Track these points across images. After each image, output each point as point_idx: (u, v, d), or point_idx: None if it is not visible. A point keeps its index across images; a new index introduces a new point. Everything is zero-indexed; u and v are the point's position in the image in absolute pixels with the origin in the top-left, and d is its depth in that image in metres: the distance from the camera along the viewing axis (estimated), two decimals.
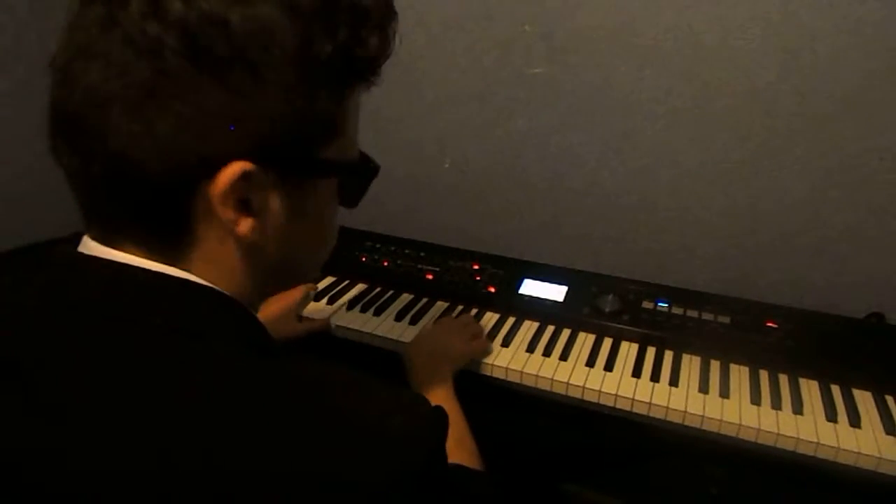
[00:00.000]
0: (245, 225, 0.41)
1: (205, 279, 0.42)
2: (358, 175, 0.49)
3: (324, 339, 1.11)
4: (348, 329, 1.10)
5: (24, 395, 0.37)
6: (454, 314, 1.14)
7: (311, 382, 0.40)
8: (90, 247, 0.42)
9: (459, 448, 0.73)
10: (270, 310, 1.09)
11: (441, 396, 0.83)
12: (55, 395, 0.37)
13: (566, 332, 1.08)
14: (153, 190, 0.38)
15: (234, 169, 0.38)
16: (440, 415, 0.44)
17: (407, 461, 0.38)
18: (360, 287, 1.23)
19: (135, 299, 0.40)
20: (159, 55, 0.36)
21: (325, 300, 1.17)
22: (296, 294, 1.12)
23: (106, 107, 0.37)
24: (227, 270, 0.44)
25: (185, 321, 0.40)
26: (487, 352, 1.02)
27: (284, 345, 1.02)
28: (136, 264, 0.41)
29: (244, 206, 0.40)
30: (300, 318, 1.10)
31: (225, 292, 0.43)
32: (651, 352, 1.03)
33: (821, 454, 0.84)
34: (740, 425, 0.87)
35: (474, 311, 1.15)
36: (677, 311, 1.08)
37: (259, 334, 0.45)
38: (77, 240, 0.43)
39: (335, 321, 1.10)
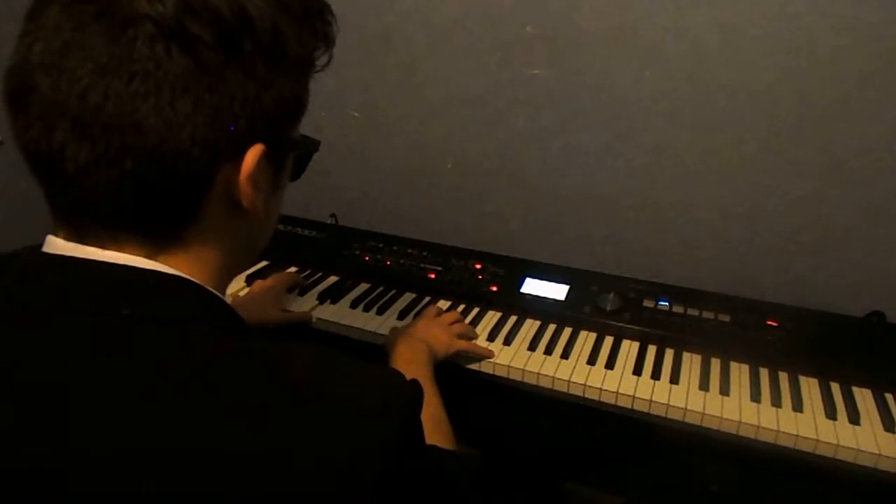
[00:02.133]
0: (258, 201, 0.45)
1: (185, 268, 0.43)
2: (311, 149, 0.54)
3: (328, 339, 1.12)
4: (348, 327, 1.11)
5: (7, 401, 0.37)
6: (469, 319, 1.14)
7: (283, 361, 0.41)
8: (57, 245, 0.42)
9: (436, 431, 0.74)
10: (254, 296, 1.11)
11: (422, 381, 0.83)
12: (31, 393, 0.37)
13: (567, 331, 1.09)
14: (183, 177, 0.40)
15: (256, 151, 0.42)
16: (414, 388, 0.45)
17: (381, 434, 0.39)
18: (363, 286, 1.24)
19: (101, 293, 0.40)
20: (195, 49, 0.38)
21: (328, 299, 1.18)
22: (281, 281, 1.15)
23: (138, 103, 0.37)
24: (215, 253, 0.46)
25: (154, 310, 0.41)
26: (474, 351, 1.02)
27: (270, 331, 1.04)
28: (103, 259, 0.41)
29: (255, 184, 0.44)
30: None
31: (193, 280, 0.44)
32: (652, 350, 1.04)
33: (820, 451, 0.85)
34: (740, 423, 0.88)
35: (476, 309, 1.16)
36: (678, 309, 1.08)
37: (230, 318, 0.47)
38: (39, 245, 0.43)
39: (318, 314, 1.12)
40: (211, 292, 0.45)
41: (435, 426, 0.75)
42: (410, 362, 0.88)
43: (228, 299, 1.09)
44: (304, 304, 1.16)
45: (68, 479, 0.35)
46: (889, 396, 0.93)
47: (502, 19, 1.21)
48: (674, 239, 1.26)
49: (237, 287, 1.21)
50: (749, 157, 1.14)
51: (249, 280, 1.23)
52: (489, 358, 1.02)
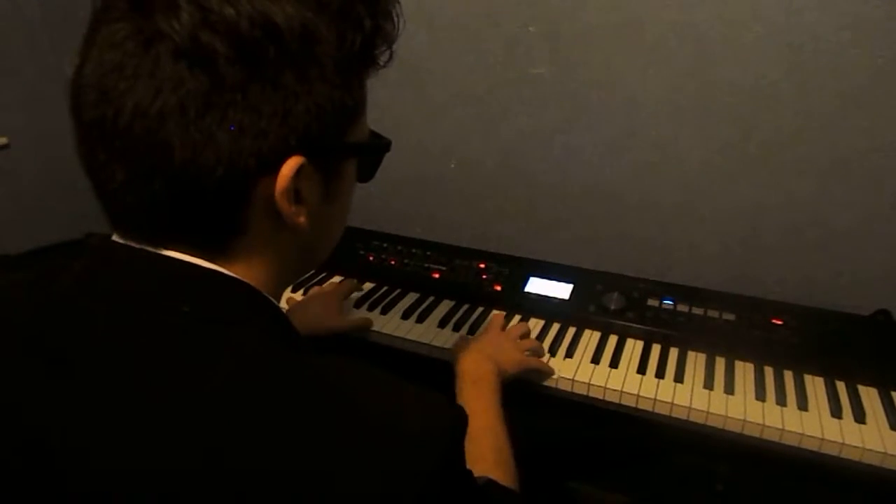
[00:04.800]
0: (301, 214, 0.43)
1: (241, 273, 0.43)
2: (375, 152, 0.51)
3: (337, 337, 1.12)
4: (373, 332, 1.10)
5: (66, 381, 0.38)
6: (472, 318, 1.12)
7: (330, 378, 0.41)
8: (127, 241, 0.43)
9: (498, 464, 0.70)
10: (315, 302, 1.09)
11: (484, 405, 0.80)
12: (92, 379, 0.38)
13: (572, 330, 1.09)
14: (214, 194, 0.39)
15: (292, 165, 0.40)
16: (459, 415, 0.43)
17: (421, 460, 0.38)
18: (367, 286, 1.24)
19: (163, 287, 0.41)
20: (214, 65, 0.37)
21: (374, 313, 1.18)
22: (342, 288, 1.13)
23: (163, 122, 0.37)
24: (267, 262, 0.45)
25: (212, 310, 0.41)
26: (543, 369, 0.97)
27: (324, 338, 1.03)
28: (168, 254, 0.41)
29: (297, 197, 0.42)
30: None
31: (252, 285, 0.44)
32: (656, 349, 1.04)
33: (826, 450, 0.84)
34: (745, 421, 0.88)
35: (480, 309, 1.16)
36: (682, 308, 1.08)
37: (284, 327, 0.46)
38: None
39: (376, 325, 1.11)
40: (268, 299, 0.45)
41: (497, 458, 0.71)
42: (475, 384, 0.83)
43: (285, 305, 1.09)
44: None
45: (92, 462, 0.36)
46: (895, 395, 0.92)
47: (505, 18, 1.21)
48: (678, 237, 1.25)
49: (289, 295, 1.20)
50: (754, 154, 1.13)
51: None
52: (553, 375, 0.98)
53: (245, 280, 0.43)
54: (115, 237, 0.43)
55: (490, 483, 0.64)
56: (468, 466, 0.45)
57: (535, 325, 1.11)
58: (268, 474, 0.35)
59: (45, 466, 0.37)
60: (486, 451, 0.71)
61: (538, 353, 1.00)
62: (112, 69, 0.37)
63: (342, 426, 0.38)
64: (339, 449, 0.37)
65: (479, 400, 0.80)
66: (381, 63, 0.46)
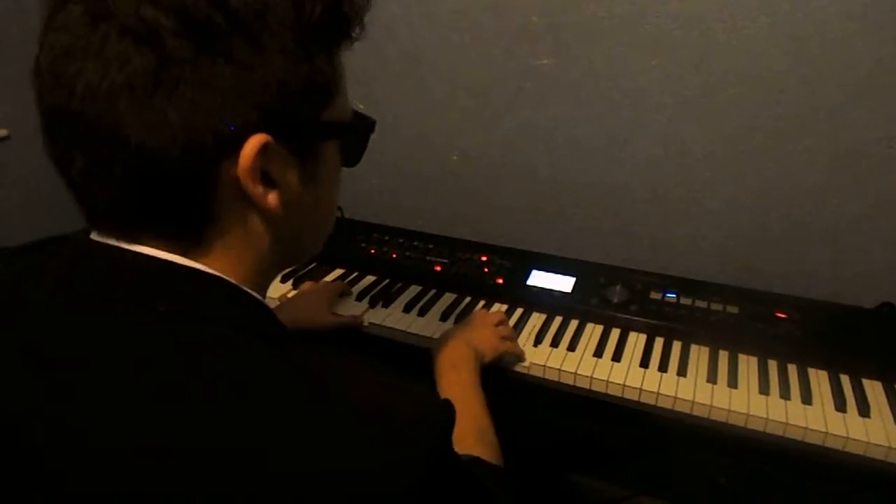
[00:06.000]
0: (272, 197, 0.41)
1: (218, 267, 0.42)
2: (358, 132, 0.49)
3: (333, 332, 1.12)
4: (374, 325, 1.10)
5: (45, 380, 0.38)
6: (480, 307, 1.13)
7: (316, 374, 0.40)
8: (103, 238, 0.42)
9: (480, 442, 0.72)
10: (306, 298, 1.10)
11: (463, 388, 0.81)
12: (71, 379, 0.38)
13: (574, 323, 1.09)
14: (176, 178, 0.38)
15: (254, 143, 0.38)
16: (447, 407, 0.43)
17: (411, 454, 0.38)
18: (368, 279, 1.23)
19: (139, 286, 0.40)
20: (159, 39, 0.35)
21: (363, 314, 1.17)
22: (332, 287, 1.14)
23: (114, 103, 0.36)
24: (244, 252, 0.44)
25: (191, 308, 0.40)
26: (518, 353, 0.99)
27: (313, 334, 1.03)
28: (145, 252, 0.41)
29: (266, 178, 0.41)
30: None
31: (233, 281, 0.43)
32: (659, 342, 1.03)
33: (829, 444, 0.84)
34: (748, 415, 0.87)
35: (482, 302, 1.16)
36: (685, 301, 1.08)
37: (267, 322, 0.45)
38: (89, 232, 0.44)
39: (340, 311, 1.11)
40: (247, 293, 0.44)
41: (479, 437, 0.72)
42: (454, 368, 0.84)
43: (277, 300, 1.09)
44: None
45: (79, 463, 0.35)
46: None
47: (507, 9, 1.20)
48: (681, 230, 1.25)
49: (285, 290, 1.21)
50: (758, 146, 1.12)
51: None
52: (526, 362, 0.99)
53: (222, 274, 0.42)
54: (92, 234, 0.43)
55: (474, 460, 0.66)
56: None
57: (538, 318, 1.11)
58: (255, 475, 0.34)
59: (34, 469, 0.36)
60: (467, 431, 0.73)
61: (512, 338, 1.00)
62: (63, 52, 0.37)
63: (330, 422, 0.37)
64: (324, 443, 0.36)
65: (458, 383, 0.82)
66: (354, 35, 0.44)
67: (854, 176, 1.08)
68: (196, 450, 0.35)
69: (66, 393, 0.37)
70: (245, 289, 0.44)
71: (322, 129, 0.44)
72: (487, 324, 0.98)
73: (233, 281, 0.43)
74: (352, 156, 0.50)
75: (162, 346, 0.38)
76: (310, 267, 1.27)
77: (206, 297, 0.41)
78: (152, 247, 0.41)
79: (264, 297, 0.48)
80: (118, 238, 0.41)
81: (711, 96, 1.12)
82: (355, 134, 0.49)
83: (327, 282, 1.20)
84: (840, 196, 1.10)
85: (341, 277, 1.24)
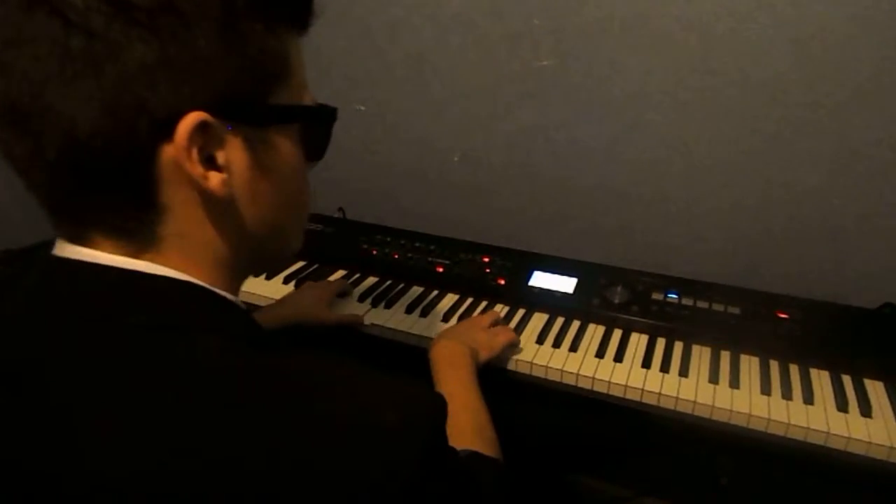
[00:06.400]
0: (215, 179, 0.40)
1: (178, 266, 0.42)
2: (316, 119, 0.47)
3: (335, 332, 1.12)
4: (377, 326, 1.10)
5: (22, 402, 0.38)
6: (476, 312, 1.13)
7: (301, 377, 0.39)
8: (64, 249, 0.42)
9: (477, 437, 0.73)
10: (306, 294, 1.11)
11: (460, 385, 0.83)
12: (48, 400, 0.37)
13: (576, 324, 1.09)
14: (112, 161, 0.37)
15: (190, 120, 0.37)
16: (437, 403, 0.43)
17: (402, 453, 0.37)
18: (370, 280, 1.24)
19: (109, 301, 0.40)
20: (86, 19, 0.35)
21: (364, 313, 1.17)
22: (333, 285, 1.14)
23: (45, 87, 0.35)
24: (203, 249, 0.43)
25: (162, 318, 0.40)
26: (514, 345, 1.00)
27: (313, 332, 1.04)
28: (106, 262, 0.40)
29: (210, 162, 0.40)
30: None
31: (199, 282, 0.42)
32: (661, 343, 1.03)
33: (831, 444, 0.84)
34: (750, 415, 0.87)
35: (484, 303, 1.16)
36: (687, 301, 1.08)
37: (241, 324, 0.45)
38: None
39: (371, 320, 1.10)
40: (216, 294, 0.43)
41: (476, 432, 0.74)
42: (450, 366, 0.86)
43: (276, 297, 1.08)
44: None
45: (64, 483, 0.35)
46: None
47: (509, 11, 1.21)
48: (683, 231, 1.25)
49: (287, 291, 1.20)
50: (759, 147, 1.13)
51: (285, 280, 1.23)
52: (524, 359, 1.00)
53: (187, 274, 0.41)
54: (56, 242, 0.42)
55: (473, 454, 0.66)
56: (450, 444, 0.45)
57: (540, 319, 1.11)
58: (239, 482, 0.34)
59: (16, 490, 0.36)
60: (466, 426, 0.74)
61: (511, 338, 1.00)
62: (5, 42, 0.36)
63: (316, 424, 0.37)
64: (315, 446, 0.36)
65: (455, 381, 0.83)
66: (295, 18, 0.43)
67: (855, 177, 1.08)
68: (180, 462, 0.35)
69: (42, 412, 0.37)
70: (213, 290, 0.43)
71: (269, 114, 0.42)
72: (483, 324, 0.99)
73: (199, 283, 0.42)
74: (313, 148, 0.48)
75: (136, 360, 0.38)
76: (312, 268, 1.27)
77: (175, 305, 0.41)
78: (104, 249, 0.40)
79: (237, 295, 0.47)
80: (72, 239, 0.41)
81: (712, 98, 1.12)
82: (312, 122, 0.47)
83: (329, 280, 1.20)
84: (842, 197, 1.10)
85: (343, 278, 1.24)
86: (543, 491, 1.39)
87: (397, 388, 0.41)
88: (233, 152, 0.41)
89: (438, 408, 0.42)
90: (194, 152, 0.38)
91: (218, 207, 0.42)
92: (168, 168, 0.39)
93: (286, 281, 1.23)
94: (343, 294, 1.17)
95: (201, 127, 0.38)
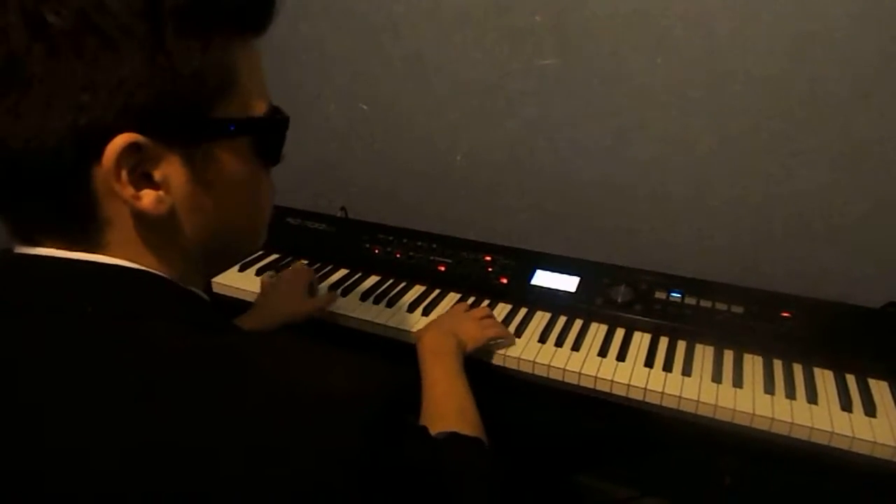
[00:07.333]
0: (148, 198, 0.40)
1: (131, 259, 0.42)
2: (264, 129, 0.45)
3: (336, 331, 1.12)
4: (358, 319, 1.10)
5: None
6: (468, 303, 1.14)
7: (250, 354, 0.40)
8: (20, 249, 0.42)
9: (461, 418, 0.75)
10: (278, 291, 1.10)
11: (444, 372, 0.85)
12: (17, 399, 0.37)
13: (578, 323, 1.08)
14: (46, 179, 0.38)
15: (118, 142, 0.37)
16: (392, 376, 0.43)
17: (349, 422, 0.37)
18: (373, 279, 1.24)
19: (61, 290, 0.40)
20: (6, 38, 0.35)
21: (338, 292, 1.18)
22: (302, 274, 1.14)
23: None
24: (148, 248, 0.43)
25: (116, 306, 0.40)
26: (503, 337, 1.02)
27: (290, 325, 1.04)
28: (57, 255, 0.41)
29: (146, 179, 0.40)
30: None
31: (152, 270, 0.42)
32: (664, 342, 1.03)
33: (835, 444, 0.84)
34: (754, 415, 0.87)
35: (486, 302, 1.16)
36: (690, 301, 1.07)
37: (197, 310, 0.45)
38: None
39: (344, 311, 1.11)
40: (172, 283, 0.44)
41: (457, 414, 0.76)
42: (434, 355, 0.88)
43: (254, 294, 1.08)
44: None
45: (45, 478, 0.35)
46: None
47: (511, 9, 1.20)
48: (686, 230, 1.24)
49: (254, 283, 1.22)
50: (763, 145, 1.12)
51: (259, 272, 1.24)
52: (511, 346, 1.02)
53: (135, 265, 0.42)
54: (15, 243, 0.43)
55: (452, 435, 0.68)
56: (424, 424, 0.45)
57: (542, 317, 1.10)
58: (190, 467, 0.34)
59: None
60: (448, 411, 0.76)
61: (500, 331, 1.02)
62: None
63: (265, 399, 0.37)
64: (263, 422, 0.36)
65: (441, 368, 0.85)
66: (237, 26, 0.41)
67: (859, 175, 1.08)
68: (136, 448, 0.35)
69: (14, 412, 0.37)
70: (165, 276, 0.43)
71: (208, 130, 0.41)
72: (470, 316, 1.01)
73: (151, 270, 0.42)
74: (267, 154, 0.47)
75: (95, 351, 0.38)
76: (313, 269, 1.27)
77: (127, 292, 0.41)
78: (57, 248, 0.41)
79: (201, 287, 0.47)
80: (21, 242, 0.42)
81: (716, 95, 1.12)
82: (261, 131, 0.45)
83: (296, 269, 1.19)
84: (845, 195, 1.10)
85: (345, 277, 1.24)
86: (546, 491, 1.39)
87: (351, 362, 0.41)
88: (170, 168, 0.40)
89: (393, 381, 0.42)
90: (124, 174, 0.38)
91: (158, 221, 0.41)
92: (103, 187, 0.39)
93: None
94: (311, 283, 1.17)
95: (132, 148, 0.37)
